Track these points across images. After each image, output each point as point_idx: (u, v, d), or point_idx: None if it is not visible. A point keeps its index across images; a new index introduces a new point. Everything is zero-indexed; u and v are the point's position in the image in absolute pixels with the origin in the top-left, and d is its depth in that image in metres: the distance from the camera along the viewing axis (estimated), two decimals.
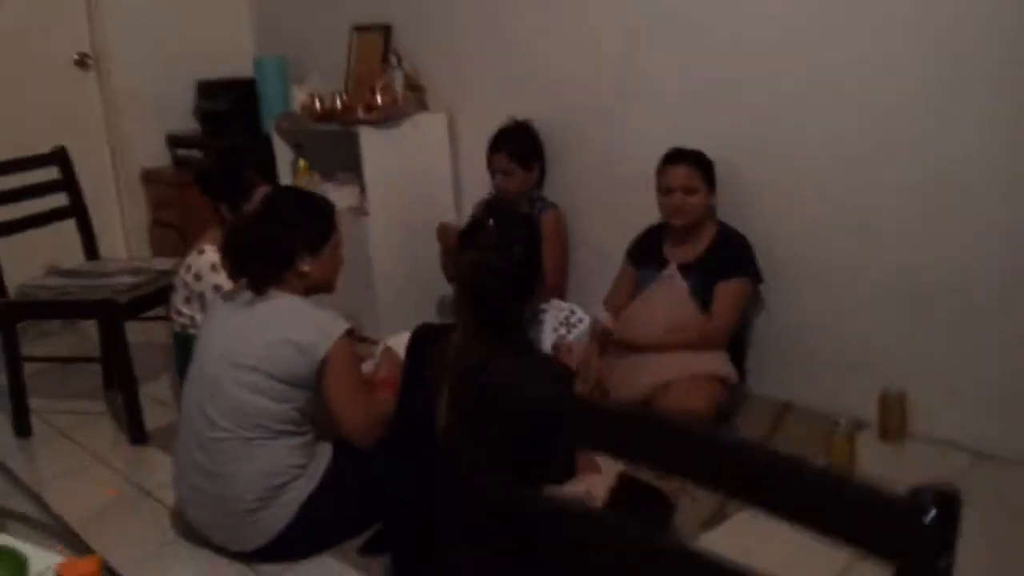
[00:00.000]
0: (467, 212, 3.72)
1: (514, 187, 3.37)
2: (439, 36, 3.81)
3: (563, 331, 2.63)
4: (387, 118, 3.65)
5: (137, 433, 2.92)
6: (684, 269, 2.84)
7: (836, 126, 2.67)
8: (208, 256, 2.79)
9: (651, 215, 2.97)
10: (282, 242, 2.24)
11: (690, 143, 2.90)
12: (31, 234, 3.20)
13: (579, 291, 3.45)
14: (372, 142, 3.63)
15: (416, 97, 3.84)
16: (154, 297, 3.05)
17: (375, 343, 3.46)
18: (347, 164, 3.79)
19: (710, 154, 2.87)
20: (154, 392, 3.25)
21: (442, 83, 3.84)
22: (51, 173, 3.34)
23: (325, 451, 2.28)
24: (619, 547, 0.89)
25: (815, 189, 2.76)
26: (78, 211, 3.35)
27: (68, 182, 3.33)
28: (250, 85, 4.33)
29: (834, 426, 2.48)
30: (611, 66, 3.20)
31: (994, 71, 2.33)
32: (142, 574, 2.26)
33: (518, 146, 3.37)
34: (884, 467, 2.50)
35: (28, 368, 3.06)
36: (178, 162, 4.45)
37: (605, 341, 2.86)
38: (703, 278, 2.80)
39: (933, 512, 0.69)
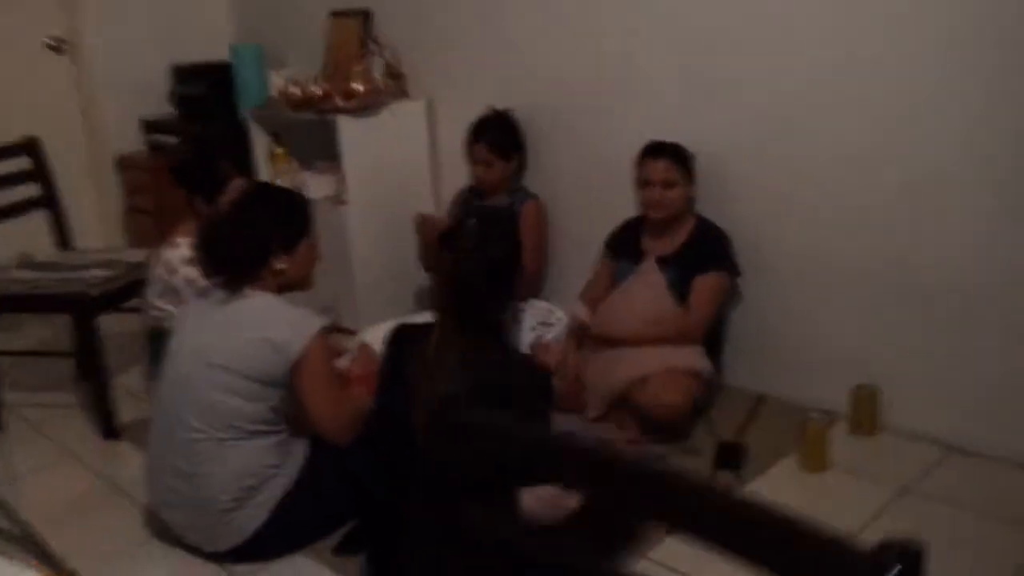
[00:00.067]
0: (446, 201, 3.71)
1: (493, 178, 3.36)
2: (418, 22, 3.77)
3: (541, 330, 2.62)
4: (366, 107, 3.62)
5: (109, 428, 2.90)
6: (662, 262, 2.84)
7: (816, 122, 2.66)
8: (181, 250, 2.77)
9: (632, 207, 2.96)
10: (256, 241, 2.22)
11: (670, 133, 2.88)
12: (1, 224, 3.16)
13: (558, 282, 3.45)
14: (351, 131, 3.60)
15: (396, 84, 3.80)
16: (127, 290, 3.02)
17: (353, 333, 3.46)
18: (325, 152, 3.75)
19: (689, 145, 2.86)
20: (128, 384, 3.24)
21: (421, 70, 3.80)
22: (22, 163, 3.30)
23: (300, 449, 2.28)
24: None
25: (792, 184, 2.76)
26: (50, 201, 3.31)
27: (40, 172, 3.28)
28: (226, 69, 4.26)
29: (807, 420, 2.50)
30: (594, 55, 3.17)
31: (991, 71, 2.32)
32: (113, 574, 2.26)
33: (498, 137, 3.35)
34: (855, 460, 2.53)
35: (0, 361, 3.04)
36: (153, 147, 4.40)
37: (582, 335, 2.86)
38: (681, 271, 2.80)
39: (897, 568, 0.69)
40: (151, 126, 4.42)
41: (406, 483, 2.06)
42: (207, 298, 2.28)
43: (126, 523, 2.45)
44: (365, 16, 3.94)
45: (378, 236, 3.68)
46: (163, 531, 2.33)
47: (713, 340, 2.86)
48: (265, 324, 2.20)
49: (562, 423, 2.52)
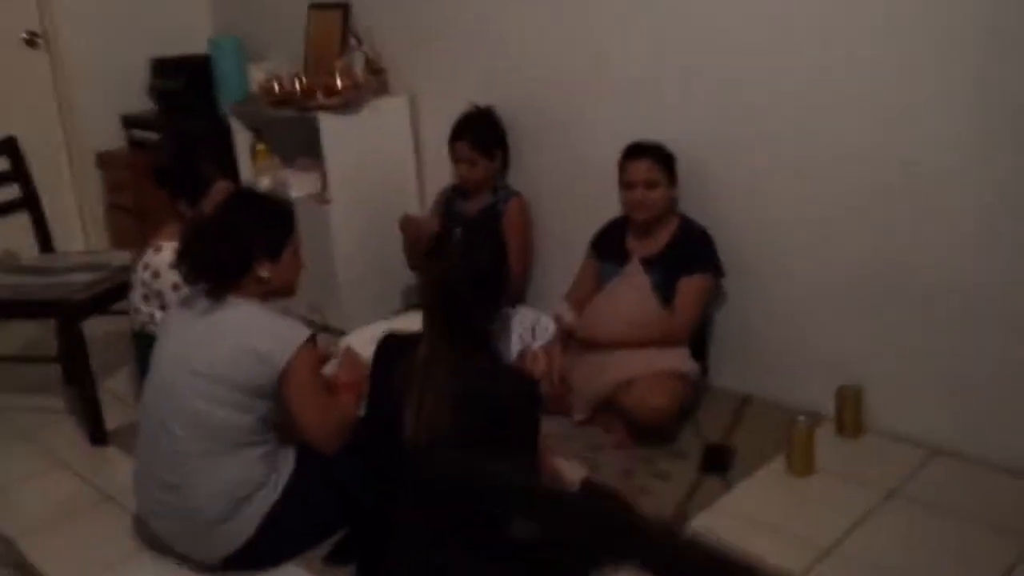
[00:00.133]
0: (431, 197, 3.70)
1: (477, 176, 3.35)
2: (398, 16, 3.74)
3: (528, 339, 2.63)
4: (347, 104, 3.59)
5: (97, 434, 2.89)
6: (646, 263, 2.85)
7: (804, 124, 2.66)
8: (165, 254, 2.74)
9: (616, 205, 2.95)
10: (239, 249, 2.21)
11: (656, 132, 2.88)
12: None
13: (542, 281, 3.45)
14: (332, 128, 3.57)
15: (377, 80, 3.77)
16: (112, 294, 3.00)
17: (341, 332, 3.45)
18: (308, 147, 3.72)
19: (675, 145, 2.86)
20: (115, 387, 3.22)
21: (403, 65, 3.77)
22: (1, 164, 3.26)
23: (288, 459, 2.28)
24: None
25: (775, 184, 2.77)
26: (30, 202, 3.27)
27: (19, 173, 3.24)
28: (206, 63, 4.22)
29: (793, 423, 2.52)
30: (579, 51, 3.16)
31: (989, 71, 2.32)
32: None
33: (480, 134, 3.33)
34: (841, 463, 2.56)
35: None
36: (133, 143, 4.35)
37: (567, 338, 2.86)
38: (665, 273, 2.81)
39: None
40: (131, 121, 4.37)
41: (395, 491, 2.09)
42: (190, 306, 2.27)
43: (115, 531, 2.44)
44: (344, 9, 3.90)
45: (362, 234, 3.67)
46: (152, 539, 2.33)
47: (698, 341, 2.88)
48: (251, 334, 2.19)
49: (549, 426, 2.53)
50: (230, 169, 3.90)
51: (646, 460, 2.61)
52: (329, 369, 2.59)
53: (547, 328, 2.74)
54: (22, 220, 3.33)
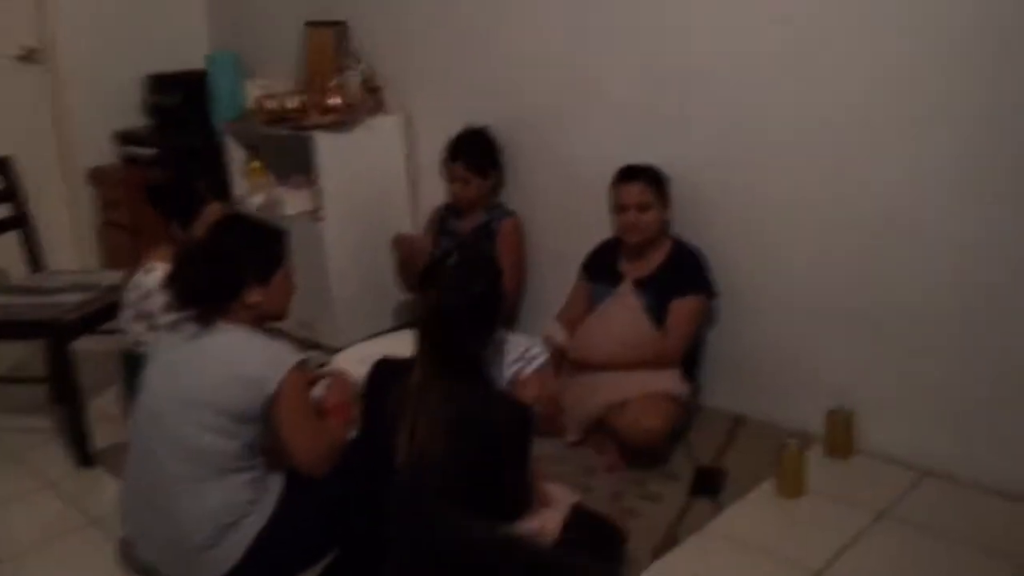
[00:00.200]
0: (424, 216, 3.70)
1: (471, 195, 3.35)
2: (394, 34, 3.75)
3: (521, 365, 2.63)
4: (343, 122, 3.60)
5: (84, 455, 2.87)
6: (639, 285, 2.85)
7: (798, 146, 2.67)
8: (156, 275, 2.74)
9: (610, 225, 2.95)
10: (227, 274, 2.20)
11: (650, 153, 2.89)
12: None
13: (536, 300, 3.45)
14: (327, 146, 3.58)
15: (372, 98, 3.78)
16: (102, 314, 2.99)
17: (334, 349, 3.44)
18: (302, 165, 3.73)
19: (669, 167, 2.86)
20: (104, 407, 3.20)
21: (399, 83, 3.78)
22: None
23: (276, 484, 2.26)
24: None
25: (773, 206, 2.77)
26: (22, 221, 3.26)
27: (12, 193, 3.24)
28: (201, 79, 4.22)
29: (784, 447, 2.52)
30: (574, 71, 3.16)
31: (964, 102, 2.35)
32: None
33: (475, 155, 3.34)
34: (831, 485, 2.55)
35: None
36: (127, 160, 4.35)
37: (560, 358, 2.86)
38: (658, 294, 2.81)
39: None
40: (125, 137, 4.37)
41: (386, 515, 2.08)
42: (180, 331, 2.26)
43: (101, 555, 2.43)
44: (341, 27, 3.91)
45: (355, 251, 3.67)
46: (139, 564, 2.31)
47: (690, 361, 2.87)
48: (239, 359, 2.18)
49: (541, 447, 2.52)
50: (224, 187, 3.92)
51: (637, 482, 2.60)
52: (317, 391, 2.58)
53: (539, 354, 2.74)
54: (12, 239, 3.32)
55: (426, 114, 3.73)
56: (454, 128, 3.41)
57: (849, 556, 2.26)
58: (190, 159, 3.95)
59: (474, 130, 3.39)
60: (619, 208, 2.83)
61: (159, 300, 2.72)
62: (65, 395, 2.90)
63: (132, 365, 2.76)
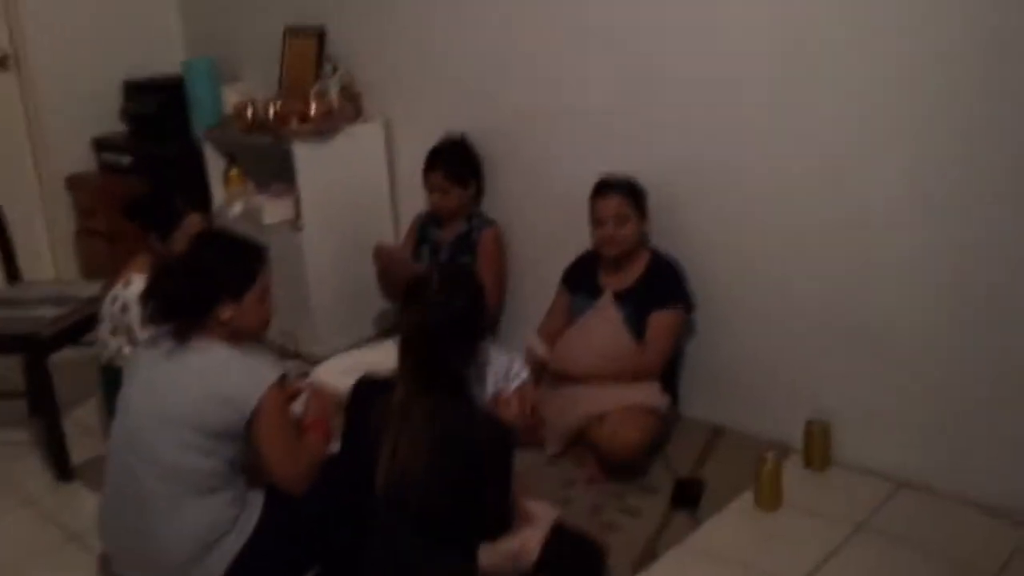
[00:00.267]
0: (405, 223, 3.69)
1: (450, 204, 3.35)
2: (374, 40, 3.73)
3: (503, 383, 2.64)
4: (322, 130, 3.59)
5: (63, 470, 2.85)
6: (618, 297, 2.86)
7: (777, 157, 2.68)
8: (135, 288, 2.72)
9: (589, 235, 2.95)
10: (199, 289, 2.19)
11: (628, 162, 2.90)
12: None
13: (516, 309, 3.45)
14: (306, 155, 3.57)
15: (351, 105, 3.77)
16: (79, 326, 2.97)
17: (314, 359, 3.44)
18: (282, 173, 3.71)
19: (648, 177, 2.87)
20: (83, 419, 3.18)
21: (378, 90, 3.77)
22: None
23: (256, 502, 2.25)
24: None
25: (749, 219, 2.79)
26: None
27: None
28: (179, 85, 4.19)
29: (762, 460, 2.54)
30: (552, 80, 3.16)
31: (938, 113, 2.37)
32: None
33: (454, 164, 3.33)
34: (809, 497, 2.58)
35: None
36: (104, 167, 4.31)
37: (540, 371, 2.87)
38: (636, 307, 2.82)
39: None
40: (102, 144, 4.33)
41: (366, 530, 2.09)
42: (157, 346, 2.25)
43: (80, 573, 2.42)
44: (320, 34, 3.90)
45: (335, 260, 3.66)
46: None
47: (669, 373, 2.89)
48: (217, 377, 2.17)
49: (522, 460, 2.53)
50: (202, 196, 3.89)
51: (617, 495, 2.62)
52: (297, 407, 2.57)
53: (520, 372, 2.75)
54: None
55: (406, 121, 3.72)
56: (434, 135, 3.41)
57: (827, 569, 2.28)
58: (167, 170, 3.90)
59: (453, 139, 3.39)
60: (596, 221, 2.84)
61: (137, 314, 2.71)
62: (43, 410, 2.88)
63: (111, 379, 2.75)
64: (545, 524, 2.13)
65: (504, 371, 2.67)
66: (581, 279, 2.98)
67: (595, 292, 2.91)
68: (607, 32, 2.97)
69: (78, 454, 2.92)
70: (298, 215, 3.62)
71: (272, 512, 2.25)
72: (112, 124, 4.35)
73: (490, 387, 2.66)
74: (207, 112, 4.11)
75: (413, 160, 3.51)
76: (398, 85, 3.71)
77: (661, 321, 2.79)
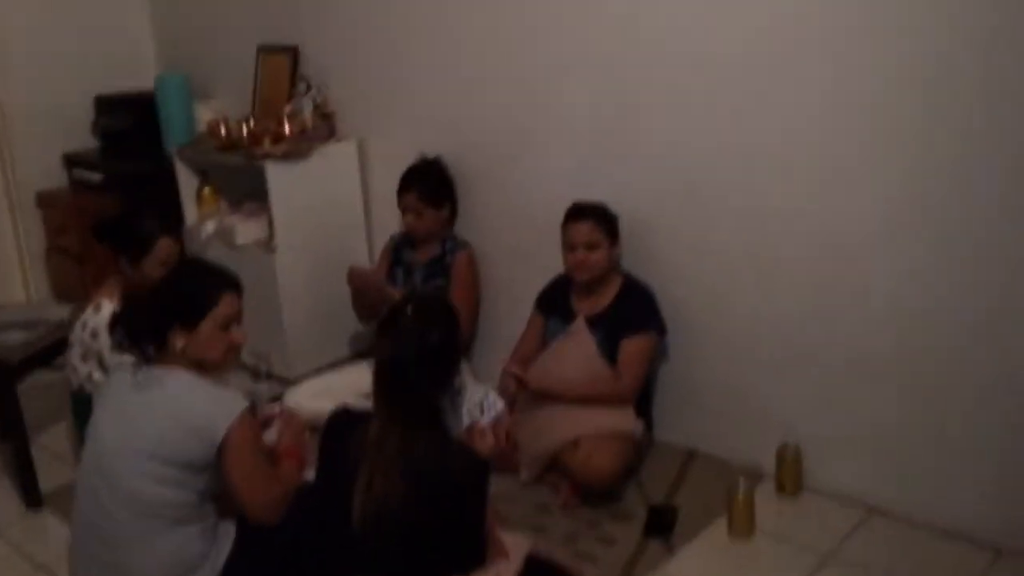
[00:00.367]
0: (379, 244, 3.69)
1: (424, 226, 3.34)
2: (348, 60, 3.73)
3: (476, 413, 2.64)
4: (296, 151, 3.57)
5: (32, 498, 2.82)
6: (591, 322, 2.86)
7: (750, 183, 2.70)
8: (104, 313, 2.70)
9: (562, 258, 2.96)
10: (152, 316, 2.18)
11: (601, 187, 2.91)
12: None
13: (488, 331, 3.45)
14: (280, 175, 3.55)
15: (325, 125, 3.75)
16: (49, 351, 2.94)
17: (287, 381, 3.42)
18: (256, 191, 3.69)
19: (620, 202, 2.88)
20: (53, 445, 3.14)
21: (352, 109, 3.76)
22: None
23: (228, 533, 2.23)
24: None
25: (720, 244, 2.81)
26: None
27: None
28: (152, 101, 4.16)
29: (733, 487, 2.55)
30: (525, 103, 3.17)
31: (913, 136, 2.38)
32: None
33: (428, 185, 3.33)
34: (781, 524, 2.59)
35: None
36: (75, 183, 4.27)
37: (517, 393, 2.84)
38: (609, 331, 2.83)
39: None
40: (73, 161, 4.29)
41: (341, 562, 2.07)
42: (126, 374, 2.22)
43: None
44: (294, 53, 3.88)
45: (308, 280, 3.64)
46: None
47: (643, 397, 2.90)
48: (185, 408, 2.14)
49: (497, 486, 2.53)
50: (174, 213, 3.86)
51: (591, 523, 2.62)
52: (270, 435, 2.56)
53: (495, 403, 2.75)
54: None
55: (380, 140, 3.72)
56: (408, 154, 3.41)
57: None
58: (138, 189, 3.87)
59: (427, 161, 3.39)
60: (568, 246, 2.85)
61: (107, 340, 2.68)
62: (11, 436, 2.84)
63: (81, 405, 2.72)
64: (519, 556, 2.13)
65: (479, 401, 2.66)
66: (555, 303, 2.98)
67: (568, 316, 2.91)
68: (582, 57, 2.98)
69: (48, 481, 2.88)
70: (271, 235, 3.60)
71: (244, 544, 2.23)
72: (84, 140, 4.31)
73: (465, 418, 2.66)
74: (180, 129, 4.08)
75: (387, 180, 3.50)
76: (372, 105, 3.70)
77: (634, 347, 2.80)
